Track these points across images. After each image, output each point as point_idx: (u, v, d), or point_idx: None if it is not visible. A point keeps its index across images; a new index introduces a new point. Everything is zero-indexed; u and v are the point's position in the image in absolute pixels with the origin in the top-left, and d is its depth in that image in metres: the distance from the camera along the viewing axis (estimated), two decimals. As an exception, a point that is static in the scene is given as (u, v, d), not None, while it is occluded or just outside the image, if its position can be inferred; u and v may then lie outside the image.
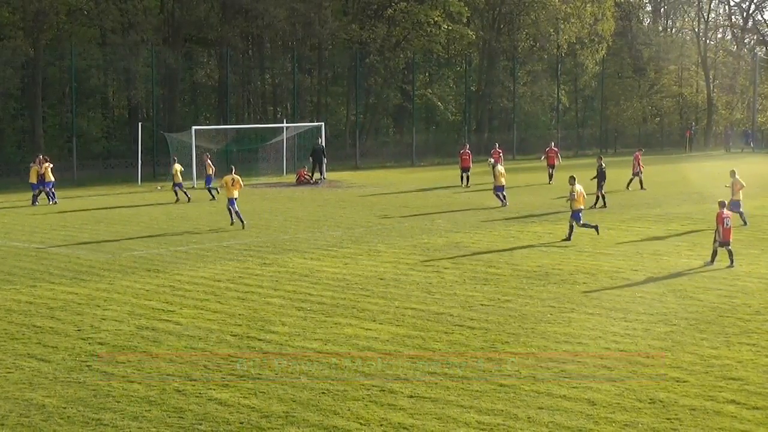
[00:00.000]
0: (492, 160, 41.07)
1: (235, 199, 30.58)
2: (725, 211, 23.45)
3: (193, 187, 44.58)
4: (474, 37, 66.32)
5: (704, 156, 70.28)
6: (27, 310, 18.71)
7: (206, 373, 14.41)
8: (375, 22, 61.96)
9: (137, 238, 28.50)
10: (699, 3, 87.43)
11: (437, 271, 22.82)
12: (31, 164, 38.51)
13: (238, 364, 14.85)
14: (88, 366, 14.80)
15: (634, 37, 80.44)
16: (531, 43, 71.95)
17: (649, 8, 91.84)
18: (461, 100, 68.53)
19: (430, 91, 66.60)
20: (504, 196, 35.89)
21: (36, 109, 51.24)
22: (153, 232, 29.78)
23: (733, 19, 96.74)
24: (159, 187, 44.50)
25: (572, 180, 27.97)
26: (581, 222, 27.83)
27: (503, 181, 35.87)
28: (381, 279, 21.81)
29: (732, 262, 23.19)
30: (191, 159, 45.84)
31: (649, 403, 13.07)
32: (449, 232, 29.36)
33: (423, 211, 35.07)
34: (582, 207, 27.93)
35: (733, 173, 30.24)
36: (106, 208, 36.62)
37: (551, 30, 69.68)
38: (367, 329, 17.12)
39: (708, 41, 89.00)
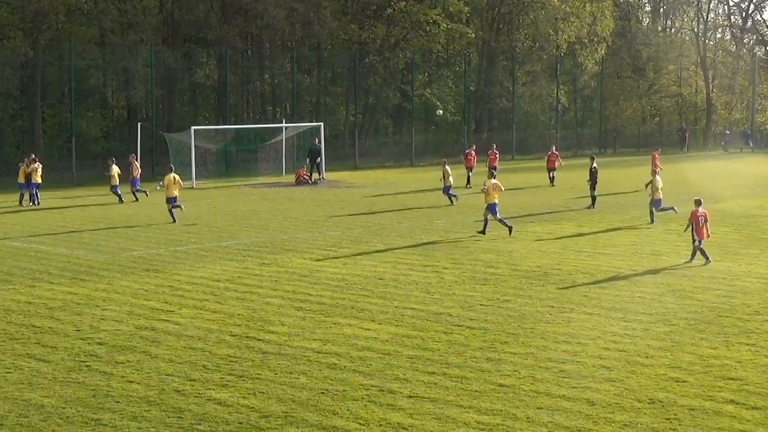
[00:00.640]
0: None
1: (175, 197, 32.00)
2: (700, 209, 23.78)
3: (192, 187, 44.60)
4: (473, 36, 66.32)
5: (702, 156, 70.27)
6: (26, 310, 18.71)
7: (205, 373, 14.42)
8: (374, 22, 61.97)
9: (136, 238, 28.50)
10: (698, 3, 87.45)
11: (436, 271, 22.83)
12: (20, 164, 38.48)
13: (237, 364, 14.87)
14: (87, 366, 14.80)
15: (634, 37, 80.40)
16: (530, 43, 71.91)
17: (648, 8, 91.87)
18: (460, 100, 68.53)
19: (429, 91, 66.60)
20: (453, 195, 37.42)
21: (35, 109, 51.22)
22: (152, 232, 29.78)
23: (733, 19, 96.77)
24: (158, 187, 44.50)
25: (489, 174, 29.32)
26: (497, 216, 28.50)
27: (452, 181, 37.49)
28: (380, 279, 21.81)
29: (707, 261, 23.52)
30: (190, 159, 45.88)
31: (648, 403, 13.07)
32: (448, 232, 29.36)
33: (422, 210, 35.07)
34: (496, 201, 28.65)
35: (653, 172, 32.13)
36: (106, 207, 36.60)
37: (550, 30, 69.64)
38: (366, 329, 17.12)
39: (707, 41, 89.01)
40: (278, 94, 62.60)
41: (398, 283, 21.37)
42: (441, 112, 60.01)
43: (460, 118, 68.25)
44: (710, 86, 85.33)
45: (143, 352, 15.64)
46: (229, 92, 56.48)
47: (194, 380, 14.07)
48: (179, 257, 24.94)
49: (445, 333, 16.86)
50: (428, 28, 62.32)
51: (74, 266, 23.58)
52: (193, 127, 47.36)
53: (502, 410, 12.76)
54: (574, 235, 28.48)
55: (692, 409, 12.80)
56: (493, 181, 28.77)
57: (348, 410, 12.78)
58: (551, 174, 45.79)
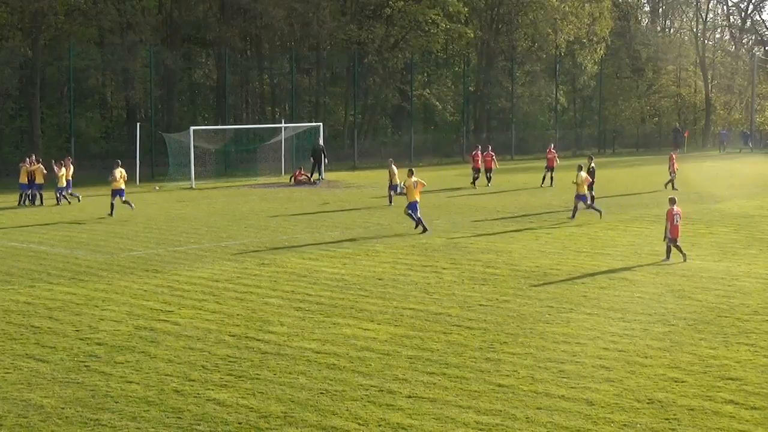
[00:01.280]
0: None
1: (123, 190, 33.93)
2: (675, 207, 23.89)
3: (191, 187, 44.61)
4: (472, 36, 66.33)
5: (701, 156, 70.29)
6: (25, 310, 18.70)
7: (204, 374, 14.41)
8: (373, 22, 61.97)
9: (135, 238, 28.50)
10: (697, 3, 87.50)
11: (436, 271, 22.83)
12: (21, 164, 38.38)
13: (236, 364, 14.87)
14: (86, 366, 14.80)
15: (633, 38, 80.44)
16: (529, 43, 71.91)
17: (647, 8, 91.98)
18: (459, 101, 68.55)
19: (428, 91, 66.61)
20: (392, 196, 37.59)
21: (34, 109, 51.20)
22: (151, 232, 29.78)
23: (732, 20, 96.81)
24: (157, 187, 44.52)
25: (409, 173, 30.00)
26: (417, 215, 29.06)
27: (397, 180, 37.71)
28: (379, 279, 21.81)
29: (684, 257, 23.65)
30: (189, 159, 45.87)
31: (648, 403, 13.07)
32: (448, 233, 29.36)
33: (422, 210, 35.05)
34: (417, 199, 29.12)
35: (579, 168, 32.48)
36: (106, 207, 36.57)
37: (549, 30, 69.65)
38: (365, 329, 17.12)
39: (706, 41, 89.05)
40: (277, 95, 62.62)
41: (397, 283, 21.37)
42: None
43: (459, 118, 68.27)
44: (709, 86, 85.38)
45: (142, 352, 15.64)
46: (228, 92, 56.47)
47: (193, 380, 14.07)
48: (178, 257, 24.94)
49: (444, 333, 16.86)
50: (427, 28, 62.32)
51: (73, 266, 23.58)
52: (192, 128, 47.35)
53: (501, 410, 12.76)
54: (574, 235, 28.49)
55: (691, 409, 12.80)
56: (414, 178, 29.37)
57: (347, 410, 12.78)
58: (551, 174, 45.48)
